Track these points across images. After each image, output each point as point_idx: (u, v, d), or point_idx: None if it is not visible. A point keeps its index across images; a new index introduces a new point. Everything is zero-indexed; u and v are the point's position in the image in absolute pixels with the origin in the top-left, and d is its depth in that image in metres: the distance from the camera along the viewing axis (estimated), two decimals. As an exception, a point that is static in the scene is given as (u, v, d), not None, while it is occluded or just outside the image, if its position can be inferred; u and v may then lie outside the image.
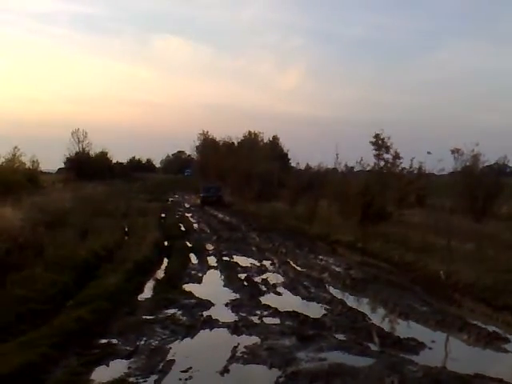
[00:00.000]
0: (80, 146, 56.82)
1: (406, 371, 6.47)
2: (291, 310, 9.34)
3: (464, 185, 24.45)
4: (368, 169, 26.82)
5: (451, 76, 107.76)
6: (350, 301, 10.60)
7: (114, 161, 68.48)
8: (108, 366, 6.81)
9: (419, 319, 9.19)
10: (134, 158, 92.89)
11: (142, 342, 7.64)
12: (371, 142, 30.34)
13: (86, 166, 52.11)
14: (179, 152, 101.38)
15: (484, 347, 7.86)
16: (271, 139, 53.45)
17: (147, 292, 11.07)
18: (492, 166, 26.35)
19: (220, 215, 29.92)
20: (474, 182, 24.00)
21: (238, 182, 40.68)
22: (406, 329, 8.78)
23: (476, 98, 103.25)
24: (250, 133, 57.89)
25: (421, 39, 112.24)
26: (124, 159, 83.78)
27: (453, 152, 24.78)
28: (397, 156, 29.17)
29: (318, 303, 10.18)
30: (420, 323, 9.04)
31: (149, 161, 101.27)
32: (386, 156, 29.74)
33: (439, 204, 27.56)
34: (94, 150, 58.58)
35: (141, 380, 6.26)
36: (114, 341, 7.69)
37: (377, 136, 30.15)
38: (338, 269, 13.77)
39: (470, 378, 6.31)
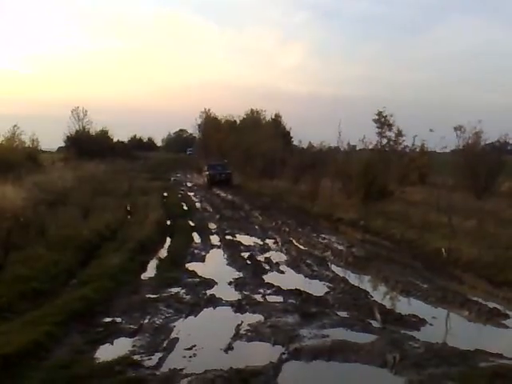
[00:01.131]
0: (80, 124, 56.08)
1: (408, 347, 6.57)
2: (294, 288, 9.42)
3: (466, 162, 24.40)
4: (370, 147, 26.80)
5: (455, 53, 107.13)
6: (352, 278, 10.67)
7: (115, 139, 68.11)
8: (112, 344, 6.89)
9: (420, 296, 9.27)
10: (135, 136, 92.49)
11: (146, 321, 7.72)
12: (374, 120, 30.37)
13: (87, 145, 51.34)
14: (181, 131, 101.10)
15: (484, 323, 7.93)
16: (273, 117, 53.06)
17: (150, 271, 11.13)
18: (493, 143, 26.29)
19: (222, 194, 29.94)
20: (476, 160, 23.95)
21: (240, 161, 40.32)
22: (407, 305, 8.87)
23: (480, 75, 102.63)
24: (252, 111, 57.52)
25: (425, 15, 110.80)
26: (125, 138, 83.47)
27: (456, 129, 24.71)
28: (399, 134, 29.24)
29: (321, 281, 10.25)
30: (421, 300, 9.11)
31: (150, 139, 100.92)
32: (388, 134, 29.81)
33: (441, 181, 27.55)
34: (94, 129, 58.01)
35: (145, 358, 6.33)
36: (118, 319, 7.77)
37: (379, 114, 30.16)
38: (340, 247, 13.83)
39: (470, 354, 6.38)
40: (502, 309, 8.53)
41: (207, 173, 35.62)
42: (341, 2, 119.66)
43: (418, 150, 28.66)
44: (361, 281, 10.71)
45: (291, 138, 47.16)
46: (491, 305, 8.68)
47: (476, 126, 24.41)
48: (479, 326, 7.92)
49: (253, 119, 55.46)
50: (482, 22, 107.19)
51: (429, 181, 28.67)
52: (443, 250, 12.18)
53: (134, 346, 6.73)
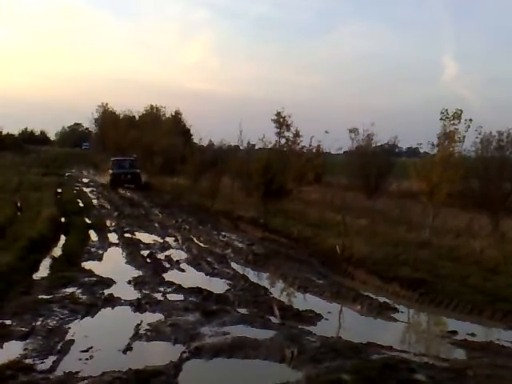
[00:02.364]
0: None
1: (305, 342, 6.76)
2: (195, 286, 9.40)
3: (358, 163, 25.84)
4: (270, 146, 27.39)
5: (351, 57, 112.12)
6: (252, 276, 10.86)
7: (4, 132, 63.80)
8: (1, 347, 6.46)
9: (317, 292, 9.64)
10: (26, 129, 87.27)
11: (39, 323, 7.29)
12: (273, 120, 31.00)
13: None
14: (76, 124, 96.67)
15: (375, 317, 8.41)
16: (174, 114, 52.37)
17: (43, 270, 10.53)
18: (383, 146, 28.07)
19: (121, 191, 29.08)
20: (367, 161, 25.43)
21: (140, 157, 39.33)
22: (304, 301, 9.19)
23: (372, 79, 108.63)
24: (151, 107, 56.38)
25: (322, 19, 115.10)
26: (15, 131, 78.50)
27: (350, 131, 26.07)
28: (297, 134, 30.07)
29: (222, 279, 10.32)
30: (317, 295, 9.48)
31: (43, 133, 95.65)
32: (286, 134, 30.61)
33: (335, 182, 28.94)
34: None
35: (38, 361, 5.99)
36: (8, 322, 7.26)
37: (278, 114, 30.79)
38: (240, 245, 14.00)
39: (363, 347, 6.68)
40: (391, 303, 9.12)
41: (110, 171, 31.61)
42: (241, 4, 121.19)
43: (314, 150, 29.71)
44: (260, 278, 10.94)
45: (192, 135, 46.85)
46: (381, 299, 9.25)
47: (368, 129, 25.95)
48: (371, 319, 8.38)
49: (152, 115, 54.38)
50: (375, 27, 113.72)
51: (324, 181, 29.94)
52: (337, 247, 12.72)
53: (25, 349, 6.33)
